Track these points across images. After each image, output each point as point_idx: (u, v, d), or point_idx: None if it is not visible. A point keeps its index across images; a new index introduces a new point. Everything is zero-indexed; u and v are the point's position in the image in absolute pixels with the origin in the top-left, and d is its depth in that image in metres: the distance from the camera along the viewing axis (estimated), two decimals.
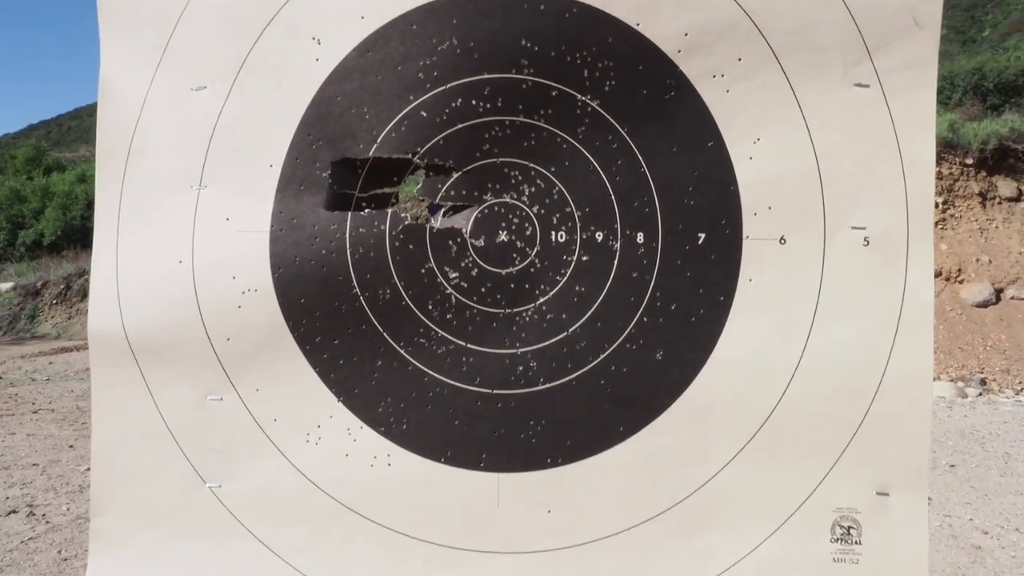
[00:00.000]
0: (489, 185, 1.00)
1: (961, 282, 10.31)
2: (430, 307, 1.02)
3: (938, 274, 10.17)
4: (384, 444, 1.03)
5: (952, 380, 9.10)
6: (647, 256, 0.99)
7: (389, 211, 1.02)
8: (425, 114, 0.99)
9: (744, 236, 0.98)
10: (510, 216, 1.01)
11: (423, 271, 1.02)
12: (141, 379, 1.06)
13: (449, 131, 0.99)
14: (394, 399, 1.02)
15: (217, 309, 1.04)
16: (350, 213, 1.02)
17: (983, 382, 9.06)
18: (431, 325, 1.02)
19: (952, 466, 5.54)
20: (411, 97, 0.99)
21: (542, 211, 1.00)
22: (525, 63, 0.98)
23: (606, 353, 1.00)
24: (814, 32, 0.95)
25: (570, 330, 1.01)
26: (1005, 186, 11.04)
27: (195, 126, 1.05)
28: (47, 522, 4.79)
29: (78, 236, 20.58)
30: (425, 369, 1.02)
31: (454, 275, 1.01)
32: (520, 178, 1.00)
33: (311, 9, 1.01)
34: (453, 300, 1.01)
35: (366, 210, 1.02)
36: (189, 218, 1.05)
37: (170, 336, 1.05)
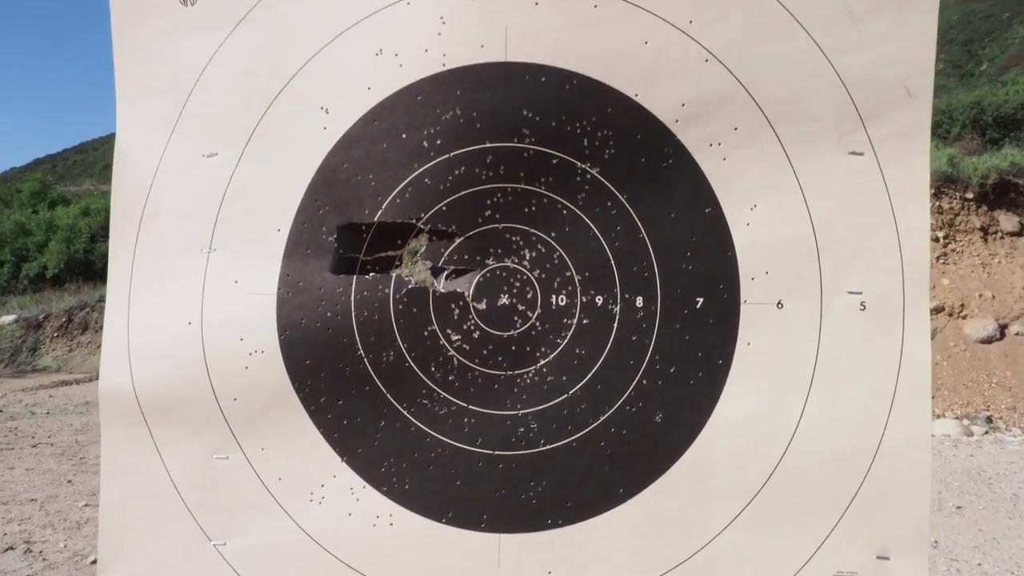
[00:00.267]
0: (491, 250, 1.03)
1: (964, 317, 10.28)
2: (433, 369, 1.03)
3: (940, 309, 10.15)
4: (387, 504, 1.04)
5: (957, 418, 9.03)
6: (646, 320, 1.01)
7: (393, 275, 1.04)
8: (429, 181, 1.02)
9: (742, 300, 1.00)
10: (511, 280, 1.03)
11: (426, 333, 1.04)
12: (150, 437, 1.08)
13: (452, 197, 1.02)
14: (397, 459, 1.04)
15: (225, 369, 1.06)
16: (355, 276, 1.04)
17: (989, 420, 8.99)
18: (433, 387, 1.03)
19: (959, 508, 5.48)
20: (415, 165, 1.02)
21: (543, 275, 1.03)
22: (526, 132, 1.00)
23: (606, 415, 1.02)
24: (809, 102, 0.98)
25: (570, 392, 1.02)
26: (1007, 220, 11.04)
27: (206, 191, 1.08)
28: (44, 559, 4.77)
29: (81, 269, 20.69)
30: (427, 430, 1.03)
31: (456, 338, 1.03)
32: (521, 243, 1.02)
33: (319, 80, 1.04)
34: (455, 362, 1.03)
35: (371, 274, 1.04)
36: (199, 280, 1.08)
37: (179, 395, 1.07)
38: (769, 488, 1.00)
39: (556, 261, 1.02)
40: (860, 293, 0.99)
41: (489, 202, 1.02)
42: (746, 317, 1.00)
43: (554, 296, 1.03)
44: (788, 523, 1.00)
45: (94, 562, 4.53)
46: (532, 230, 1.02)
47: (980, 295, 10.30)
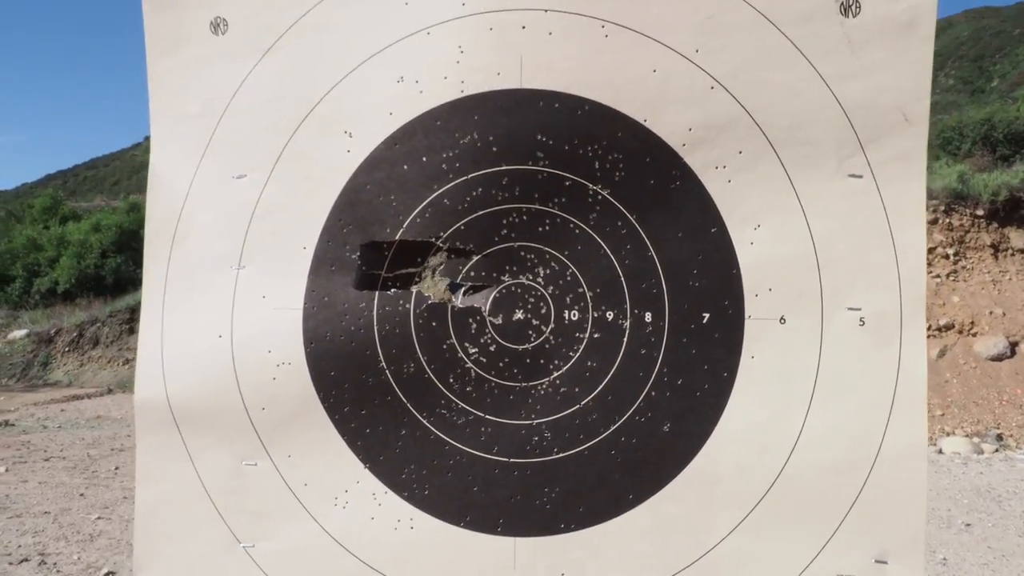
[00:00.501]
0: (507, 267, 1.08)
1: (974, 335, 10.23)
2: (451, 380, 1.09)
3: (951, 327, 10.11)
4: (407, 508, 1.09)
5: (967, 435, 8.99)
6: (655, 334, 1.06)
7: (413, 291, 1.09)
8: (448, 202, 1.07)
9: (746, 316, 1.05)
10: (526, 296, 1.08)
11: (445, 347, 1.09)
12: (182, 445, 1.13)
13: (470, 217, 1.07)
14: (417, 466, 1.09)
15: (253, 381, 1.11)
16: (377, 292, 1.09)
17: (999, 437, 8.95)
18: (452, 397, 1.08)
19: (968, 525, 5.48)
20: (435, 186, 1.07)
21: (556, 291, 1.08)
22: (541, 155, 1.06)
23: (616, 425, 1.07)
24: (810, 127, 1.03)
25: (582, 403, 1.07)
26: (1017, 237, 10.99)
27: (235, 211, 1.14)
28: (58, 571, 4.81)
29: (92, 284, 20.73)
30: (446, 438, 1.08)
31: (474, 350, 1.08)
32: (536, 261, 1.08)
33: (344, 106, 1.10)
34: (473, 374, 1.08)
35: (392, 290, 1.09)
36: (229, 296, 1.13)
37: (210, 405, 1.13)
38: (772, 495, 1.04)
39: (569, 278, 1.07)
40: (859, 309, 1.04)
41: (505, 222, 1.07)
42: (750, 332, 1.05)
43: (567, 311, 1.08)
44: (790, 528, 1.04)
45: (108, 574, 4.55)
46: (546, 248, 1.07)
47: (990, 312, 10.26)
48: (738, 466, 1.05)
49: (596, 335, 1.07)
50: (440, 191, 1.07)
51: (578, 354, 1.07)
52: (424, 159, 1.08)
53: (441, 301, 1.09)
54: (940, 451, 8.07)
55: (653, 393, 1.06)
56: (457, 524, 1.08)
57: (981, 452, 8.31)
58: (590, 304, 1.07)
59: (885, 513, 1.03)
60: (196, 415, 1.14)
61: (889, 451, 1.03)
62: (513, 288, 1.08)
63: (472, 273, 1.08)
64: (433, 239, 1.08)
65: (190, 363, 1.14)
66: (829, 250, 1.04)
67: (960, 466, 7.50)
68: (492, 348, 1.08)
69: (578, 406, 1.07)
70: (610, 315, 1.07)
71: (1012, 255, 10.77)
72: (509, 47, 1.05)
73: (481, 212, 1.07)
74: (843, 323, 1.04)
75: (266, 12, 1.12)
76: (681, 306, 1.06)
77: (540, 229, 1.07)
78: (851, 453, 1.03)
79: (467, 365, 1.08)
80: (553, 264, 1.07)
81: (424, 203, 1.08)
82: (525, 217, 1.07)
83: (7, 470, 7.47)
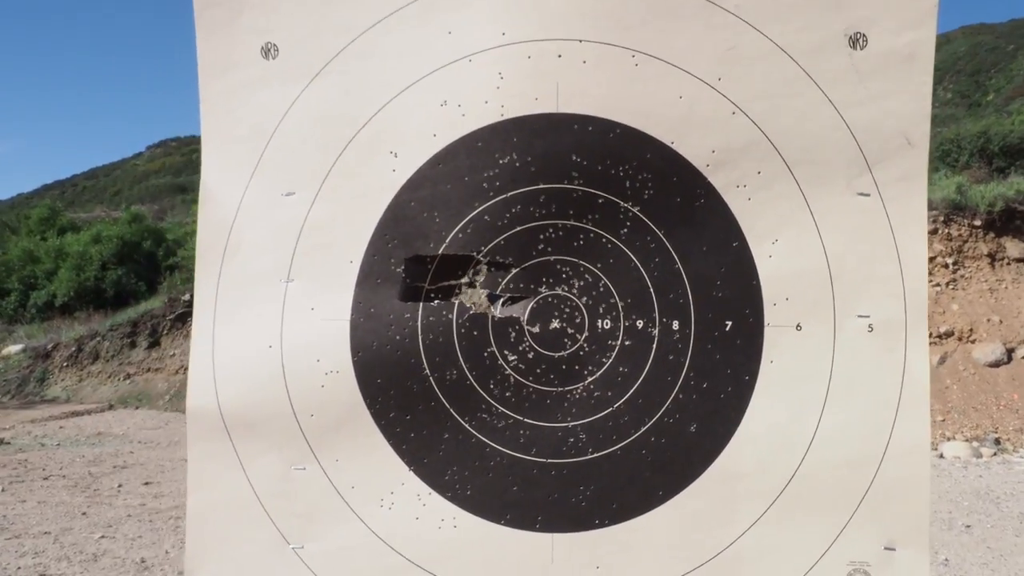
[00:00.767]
0: (544, 279, 1.15)
1: (973, 342, 10.33)
2: (491, 386, 1.16)
3: (950, 334, 10.20)
4: (450, 508, 1.16)
5: (967, 440, 9.08)
6: (681, 341, 1.14)
7: (455, 302, 1.16)
8: (488, 218, 1.14)
9: (765, 324, 1.13)
10: (562, 306, 1.15)
11: (486, 354, 1.16)
12: (233, 451, 1.19)
13: (509, 233, 1.14)
14: (459, 468, 1.16)
15: (302, 388, 1.18)
16: (421, 304, 1.16)
17: (997, 441, 9.04)
18: (492, 402, 1.16)
19: (968, 527, 5.56)
20: (476, 203, 1.15)
21: (590, 302, 1.15)
22: (575, 175, 1.13)
23: (646, 426, 1.14)
24: (822, 149, 1.11)
25: (615, 406, 1.15)
26: (1013, 247, 11.13)
27: (284, 227, 1.19)
28: None
29: (91, 297, 20.36)
30: (487, 441, 1.15)
31: (513, 358, 1.16)
32: (570, 273, 1.15)
33: (389, 127, 1.16)
34: (512, 380, 1.16)
35: (435, 301, 1.16)
36: (278, 308, 1.19)
37: (260, 413, 1.18)
38: (790, 489, 1.12)
39: (601, 289, 1.15)
40: (868, 316, 1.12)
41: (542, 237, 1.14)
42: (769, 338, 1.13)
43: (600, 320, 1.15)
44: (806, 520, 1.12)
45: None
46: (580, 262, 1.15)
47: (988, 320, 10.38)
48: (759, 463, 1.12)
49: (627, 342, 1.15)
50: (481, 208, 1.14)
51: (610, 360, 1.15)
52: (466, 178, 1.15)
53: (482, 312, 1.16)
54: (941, 455, 8.17)
55: (680, 396, 1.14)
56: (498, 522, 1.15)
57: (980, 456, 8.40)
58: (621, 313, 1.15)
59: (893, 504, 1.11)
60: (247, 422, 1.19)
61: (896, 447, 1.11)
62: (550, 299, 1.16)
63: (511, 285, 1.15)
64: (474, 253, 1.15)
65: (241, 372, 1.19)
66: (840, 262, 1.12)
67: (960, 470, 7.59)
68: (530, 355, 1.16)
69: (611, 409, 1.15)
70: (640, 323, 1.14)
71: (1008, 264, 10.91)
72: (546, 74, 1.12)
73: (519, 228, 1.14)
74: (854, 329, 1.12)
75: (316, 39, 1.18)
76: (706, 315, 1.13)
77: (575, 244, 1.14)
78: (862, 449, 1.11)
79: (507, 371, 1.16)
80: (587, 276, 1.15)
81: (466, 219, 1.15)
82: (561, 232, 1.14)
83: (3, 490, 7.30)
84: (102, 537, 5.70)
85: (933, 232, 10.50)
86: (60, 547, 5.42)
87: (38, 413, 13.73)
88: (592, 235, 1.14)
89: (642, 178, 1.13)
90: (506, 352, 1.16)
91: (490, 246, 1.14)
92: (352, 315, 1.17)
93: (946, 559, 4.76)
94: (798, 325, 1.13)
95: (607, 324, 1.15)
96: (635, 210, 1.14)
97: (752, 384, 1.13)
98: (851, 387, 1.12)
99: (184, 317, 16.75)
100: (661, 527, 1.13)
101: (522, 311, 1.16)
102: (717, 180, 1.12)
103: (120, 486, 7.60)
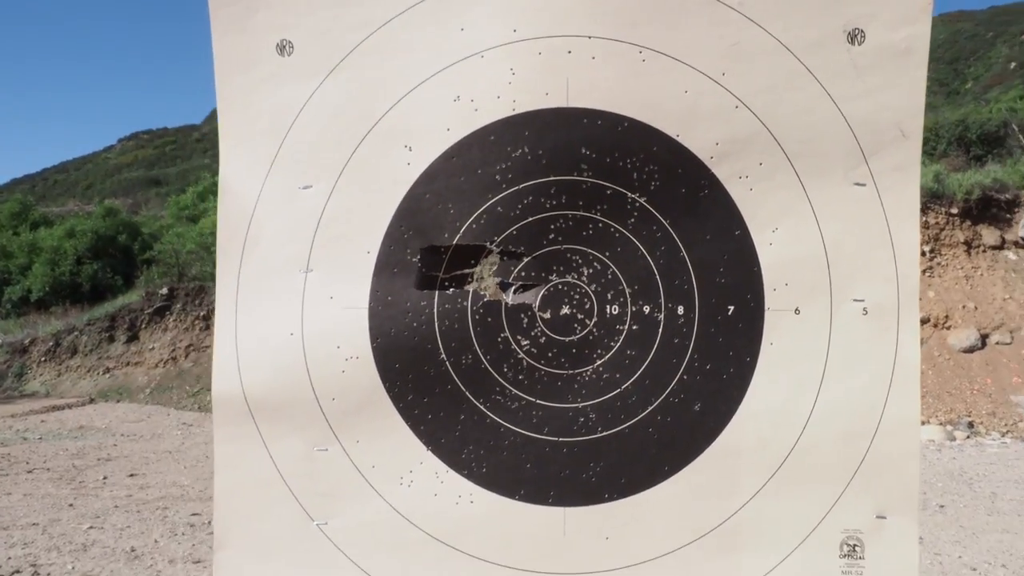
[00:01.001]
0: (554, 267, 1.21)
1: (948, 328, 10.50)
2: (505, 369, 1.21)
3: (926, 321, 10.37)
4: (467, 485, 1.21)
5: (941, 424, 9.25)
6: (686, 325, 1.20)
7: (470, 290, 1.21)
8: (501, 209, 1.19)
9: (766, 308, 1.19)
10: (572, 293, 1.21)
11: (499, 339, 1.21)
12: (257, 434, 1.24)
13: (521, 223, 1.19)
14: (475, 447, 1.21)
15: (324, 374, 1.22)
16: (436, 292, 1.21)
17: (970, 425, 9.22)
18: (506, 384, 1.21)
19: (942, 507, 5.71)
20: (489, 195, 1.19)
21: (599, 288, 1.21)
22: (585, 167, 1.18)
23: (653, 406, 1.20)
24: (820, 141, 1.17)
25: (623, 387, 1.20)
26: (989, 235, 11.29)
27: (303, 219, 1.23)
28: None
29: (67, 292, 20.15)
30: (501, 421, 1.21)
31: (525, 342, 1.21)
32: (580, 261, 1.20)
33: (404, 122, 1.20)
34: (525, 363, 1.21)
35: (450, 289, 1.21)
36: (298, 297, 1.23)
37: (283, 397, 1.23)
38: (788, 464, 1.19)
39: (610, 276, 1.20)
40: (863, 300, 1.18)
41: (553, 227, 1.20)
42: (769, 322, 1.19)
43: (608, 306, 1.21)
44: (803, 492, 1.19)
45: None
46: (589, 250, 1.20)
47: (963, 306, 10.55)
48: (759, 439, 1.19)
49: (634, 327, 1.20)
50: (494, 200, 1.19)
51: (619, 344, 1.21)
52: (479, 171, 1.19)
53: (495, 299, 1.21)
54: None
55: (685, 377, 1.20)
56: (512, 497, 1.21)
57: (954, 439, 8.57)
58: (629, 299, 1.20)
59: (884, 476, 1.18)
60: (270, 406, 1.23)
61: (888, 423, 1.18)
62: (560, 286, 1.21)
63: (523, 273, 1.21)
64: (487, 243, 1.20)
65: (264, 359, 1.24)
66: (837, 249, 1.18)
67: (935, 452, 7.75)
68: (542, 340, 1.21)
69: (619, 390, 1.20)
70: (647, 309, 1.20)
71: (984, 251, 11.08)
72: (557, 70, 1.17)
73: (531, 218, 1.19)
74: (849, 313, 1.18)
75: (330, 35, 1.21)
76: (709, 300, 1.19)
77: (584, 233, 1.20)
78: (856, 425, 1.18)
79: (520, 356, 1.21)
80: (596, 264, 1.20)
81: (479, 211, 1.20)
82: (571, 222, 1.19)
83: None
84: (90, 528, 5.71)
85: None
86: (49, 538, 5.42)
87: (18, 408, 13.62)
88: (601, 225, 1.20)
89: (649, 170, 1.18)
90: (519, 337, 1.21)
91: (503, 236, 1.19)
92: (370, 303, 1.22)
93: (920, 537, 4.89)
94: (797, 309, 1.19)
95: (615, 310, 1.21)
96: (642, 200, 1.19)
97: (753, 365, 1.19)
98: (846, 367, 1.18)
99: (162, 311, 16.64)
100: (667, 500, 1.20)
101: (534, 298, 1.21)
102: (720, 171, 1.18)
103: (105, 478, 7.59)
